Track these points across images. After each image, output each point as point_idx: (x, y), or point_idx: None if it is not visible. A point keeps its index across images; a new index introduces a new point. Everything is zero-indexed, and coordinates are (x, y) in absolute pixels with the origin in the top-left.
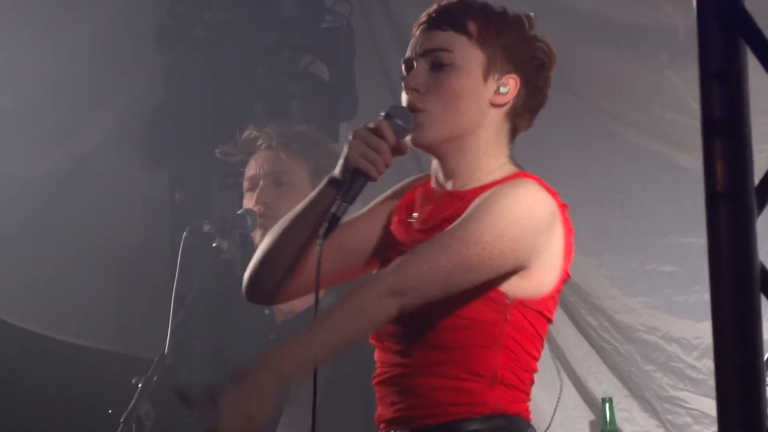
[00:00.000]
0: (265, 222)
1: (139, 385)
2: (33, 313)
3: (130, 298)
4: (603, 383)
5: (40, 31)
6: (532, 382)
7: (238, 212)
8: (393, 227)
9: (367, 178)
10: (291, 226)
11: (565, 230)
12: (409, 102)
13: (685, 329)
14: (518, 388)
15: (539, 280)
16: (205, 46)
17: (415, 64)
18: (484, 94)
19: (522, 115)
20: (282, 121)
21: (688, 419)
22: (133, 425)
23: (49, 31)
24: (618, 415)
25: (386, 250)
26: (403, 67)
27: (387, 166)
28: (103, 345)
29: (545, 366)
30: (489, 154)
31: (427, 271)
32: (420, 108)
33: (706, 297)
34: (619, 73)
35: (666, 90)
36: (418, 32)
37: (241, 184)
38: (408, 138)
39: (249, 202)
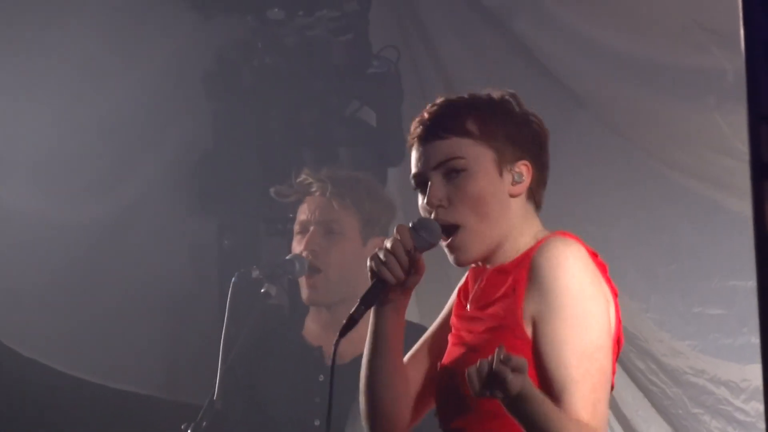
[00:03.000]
0: (312, 275)
1: None
2: (82, 360)
3: (178, 344)
4: (652, 426)
5: (88, 79)
6: None
7: (287, 258)
8: (455, 311)
9: (381, 279)
10: (369, 363)
11: (611, 291)
12: (438, 219)
13: (732, 372)
14: None
15: None
16: (253, 92)
17: (428, 178)
18: (504, 189)
19: (538, 192)
20: (336, 168)
21: None
22: None
23: (97, 79)
24: None
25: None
26: (413, 182)
27: (406, 269)
28: (152, 391)
29: None
30: (524, 234)
31: (600, 396)
32: (452, 222)
33: (754, 339)
34: (666, 116)
35: (713, 133)
36: (418, 144)
37: (289, 230)
38: (451, 259)
39: (298, 245)
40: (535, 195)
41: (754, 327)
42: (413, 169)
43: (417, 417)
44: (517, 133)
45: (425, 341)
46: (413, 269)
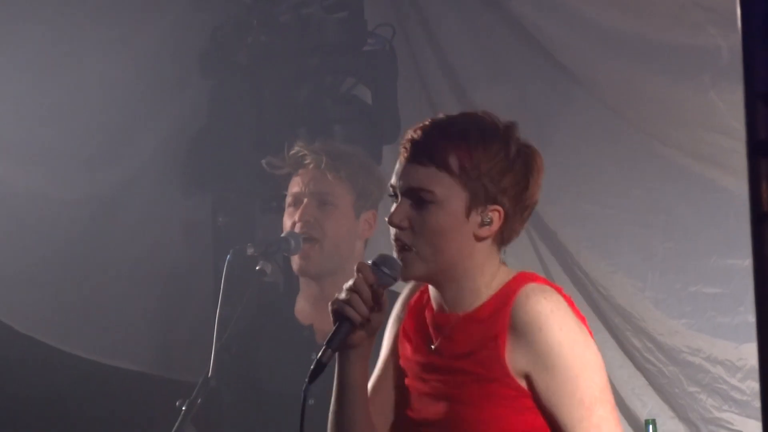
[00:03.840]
0: (306, 245)
1: (183, 408)
2: (77, 337)
3: (173, 322)
4: (648, 405)
5: (84, 56)
6: None
7: (282, 235)
8: (409, 354)
9: (345, 318)
10: (337, 414)
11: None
12: (396, 237)
13: (729, 351)
14: None
15: None
16: (248, 70)
17: (399, 195)
18: (467, 229)
19: (513, 230)
20: (330, 141)
21: None
22: None
23: (92, 57)
24: None
25: (405, 378)
26: (390, 189)
27: (370, 306)
28: (146, 368)
29: None
30: (483, 274)
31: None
32: (406, 244)
33: (750, 318)
34: (662, 94)
35: (709, 111)
36: (402, 158)
37: (284, 208)
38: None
39: (290, 217)
40: (505, 236)
41: (750, 306)
42: (392, 179)
43: None
44: (500, 177)
45: (380, 375)
46: (377, 306)
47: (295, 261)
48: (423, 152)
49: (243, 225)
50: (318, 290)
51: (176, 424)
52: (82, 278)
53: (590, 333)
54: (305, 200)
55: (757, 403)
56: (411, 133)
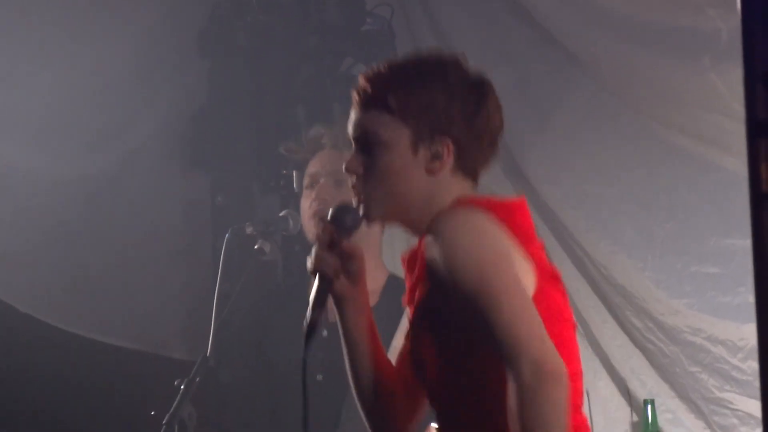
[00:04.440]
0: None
1: (182, 387)
2: (74, 315)
3: (171, 301)
4: (648, 384)
5: (83, 36)
6: None
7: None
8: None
9: (319, 274)
10: (351, 370)
11: (531, 246)
12: (352, 185)
13: (730, 331)
14: None
15: None
16: (247, 50)
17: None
18: (418, 165)
19: (472, 158)
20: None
21: (735, 420)
22: (176, 427)
23: (91, 37)
24: (664, 416)
25: None
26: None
27: (337, 256)
28: (145, 347)
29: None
30: (442, 208)
31: (525, 322)
32: (361, 191)
33: (751, 299)
34: (662, 76)
35: (709, 93)
36: (353, 109)
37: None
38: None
39: (307, 199)
40: (465, 165)
41: (751, 286)
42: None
43: (418, 410)
44: (440, 109)
45: (405, 336)
46: (346, 255)
47: (311, 232)
48: (367, 99)
49: (242, 205)
50: None
51: (175, 402)
52: (82, 257)
53: (534, 249)
54: (322, 180)
55: (758, 383)
56: (357, 84)
